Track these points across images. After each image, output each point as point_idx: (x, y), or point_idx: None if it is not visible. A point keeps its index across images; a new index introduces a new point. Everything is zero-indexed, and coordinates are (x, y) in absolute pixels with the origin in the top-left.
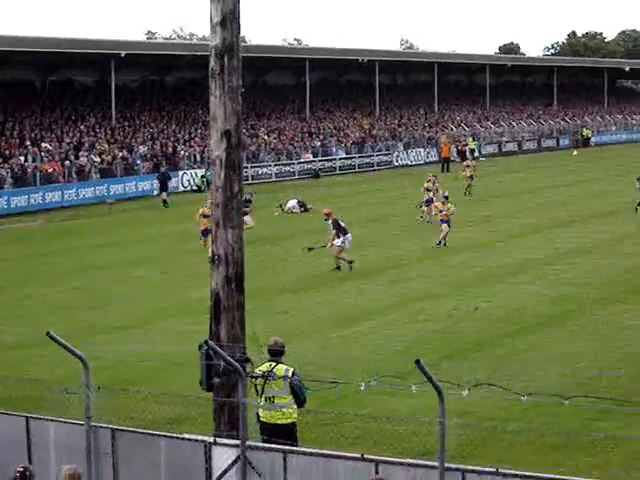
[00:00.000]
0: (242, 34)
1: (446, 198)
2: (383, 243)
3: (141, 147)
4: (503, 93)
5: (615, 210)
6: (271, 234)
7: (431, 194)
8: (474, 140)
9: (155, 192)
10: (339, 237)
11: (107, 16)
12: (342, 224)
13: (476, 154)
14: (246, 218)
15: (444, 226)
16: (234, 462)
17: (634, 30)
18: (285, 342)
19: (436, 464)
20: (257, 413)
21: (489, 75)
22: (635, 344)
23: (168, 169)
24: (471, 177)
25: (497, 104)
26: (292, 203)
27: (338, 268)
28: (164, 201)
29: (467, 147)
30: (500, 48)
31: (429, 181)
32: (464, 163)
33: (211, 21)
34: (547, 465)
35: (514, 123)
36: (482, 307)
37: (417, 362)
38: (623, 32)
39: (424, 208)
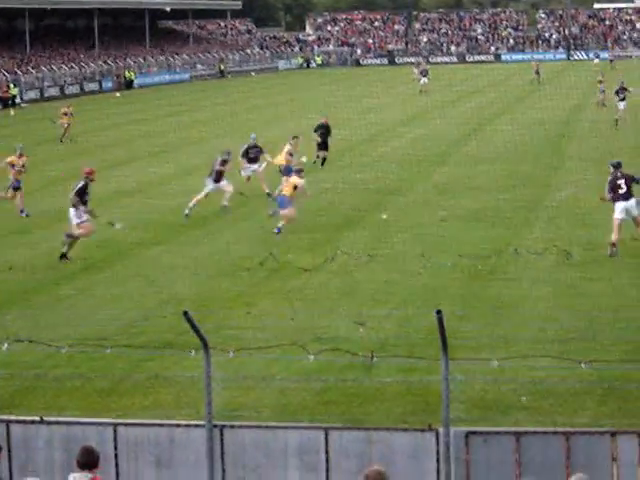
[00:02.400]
0: None
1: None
2: None
3: None
4: (44, 37)
5: (155, 151)
6: None
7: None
8: (15, 86)
9: None
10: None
11: None
12: None
13: (17, 100)
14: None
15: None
16: None
17: None
18: None
19: None
20: None
21: (28, 19)
22: (179, 284)
23: None
24: (68, 125)
25: (38, 49)
26: None
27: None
28: None
29: (9, 93)
30: None
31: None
32: (62, 111)
33: None
34: (96, 409)
35: (55, 68)
36: (22, 255)
37: None
38: None
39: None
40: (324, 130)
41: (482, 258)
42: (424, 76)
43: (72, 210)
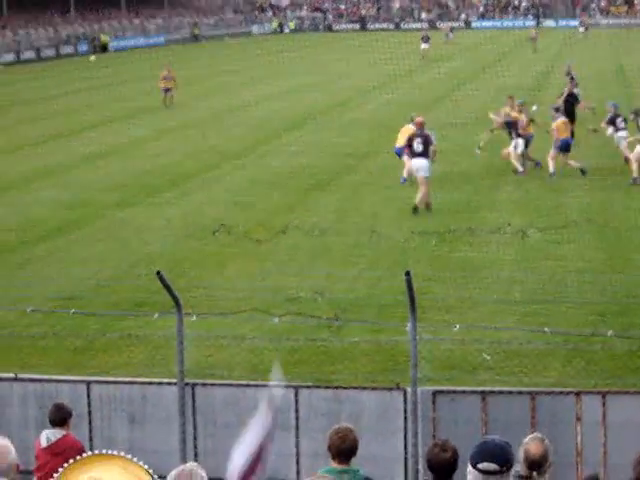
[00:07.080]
0: None
1: None
2: None
3: None
4: (20, 1)
5: (129, 114)
6: None
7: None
8: None
9: None
10: None
11: None
12: None
13: None
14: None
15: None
16: None
17: None
18: None
19: None
20: None
21: None
22: (151, 244)
23: None
24: (170, 89)
25: (14, 12)
26: None
27: None
28: None
29: None
30: None
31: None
32: (161, 75)
33: None
34: (70, 368)
35: (32, 31)
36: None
37: None
38: None
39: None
40: (571, 99)
41: (447, 221)
42: (425, 42)
43: None
